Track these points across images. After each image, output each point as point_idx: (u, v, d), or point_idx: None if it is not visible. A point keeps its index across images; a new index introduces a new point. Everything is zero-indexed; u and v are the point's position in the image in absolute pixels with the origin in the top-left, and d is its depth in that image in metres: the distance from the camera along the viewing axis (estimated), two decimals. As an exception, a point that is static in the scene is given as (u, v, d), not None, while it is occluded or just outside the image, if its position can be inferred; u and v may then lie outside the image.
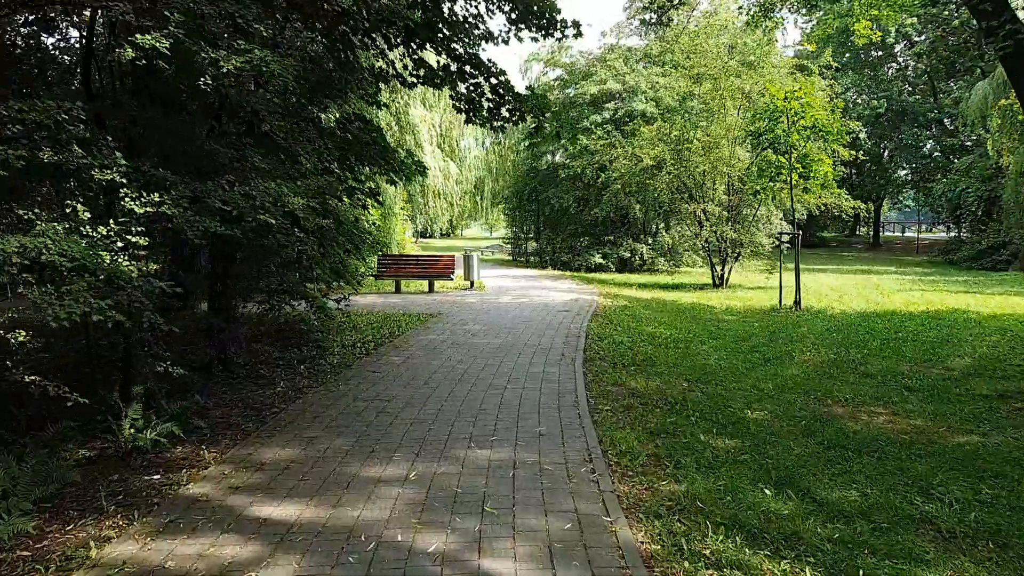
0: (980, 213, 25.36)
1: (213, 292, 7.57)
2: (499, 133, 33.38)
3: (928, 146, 33.78)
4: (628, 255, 22.93)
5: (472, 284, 16.79)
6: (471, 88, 8.07)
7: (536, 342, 9.00)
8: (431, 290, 15.88)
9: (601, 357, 8.06)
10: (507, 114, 7.89)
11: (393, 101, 17.08)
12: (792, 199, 12.98)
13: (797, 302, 12.62)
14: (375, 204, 9.07)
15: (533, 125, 8.30)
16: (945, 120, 31.19)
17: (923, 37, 32.79)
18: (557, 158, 25.47)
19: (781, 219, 19.05)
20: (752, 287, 17.12)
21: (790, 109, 12.54)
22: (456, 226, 54.48)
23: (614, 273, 22.09)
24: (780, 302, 12.91)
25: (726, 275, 17.21)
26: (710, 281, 17.97)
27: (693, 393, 6.54)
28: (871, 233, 40.58)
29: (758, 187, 13.66)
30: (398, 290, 15.82)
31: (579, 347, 8.55)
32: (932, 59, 30.69)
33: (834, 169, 12.83)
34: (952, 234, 31.35)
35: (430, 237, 48.18)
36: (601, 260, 22.63)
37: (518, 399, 6.08)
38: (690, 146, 16.89)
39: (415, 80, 8.37)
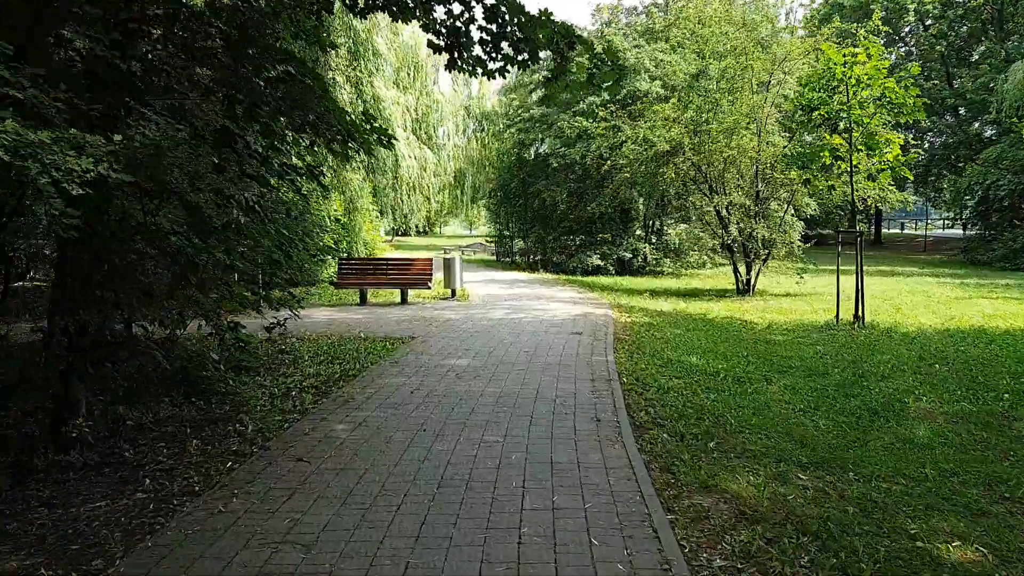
0: (1008, 207, 23.19)
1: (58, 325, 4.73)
2: (484, 121, 30.53)
3: (942, 138, 31.62)
4: (629, 256, 20.35)
5: (454, 293, 14.02)
6: (454, 13, 5.32)
7: (551, 391, 6.23)
8: (404, 301, 13.06)
9: (656, 420, 5.36)
10: (511, 51, 5.16)
11: (355, 70, 14.19)
12: (852, 188, 10.45)
13: (859, 316, 10.12)
14: (321, 189, 6.39)
15: (548, 71, 5.56)
16: (960, 109, 29.08)
17: (929, 24, 30.80)
18: (545, 146, 22.77)
19: (793, 215, 16.54)
20: (781, 294, 14.64)
21: (850, 77, 9.98)
22: (434, 223, 51.68)
23: (615, 276, 19.45)
24: (837, 316, 10.41)
25: (753, 280, 14.68)
26: (731, 286, 15.46)
27: (829, 499, 3.92)
28: (872, 230, 38.44)
29: (808, 175, 11.08)
30: (363, 301, 12.97)
31: (617, 400, 5.83)
32: (949, 40, 28.60)
33: (904, 152, 10.32)
34: (969, 232, 29.31)
35: (406, 235, 45.23)
36: (599, 262, 20.00)
37: (551, 548, 3.22)
38: (709, 128, 14.33)
39: (369, 4, 5.62)
